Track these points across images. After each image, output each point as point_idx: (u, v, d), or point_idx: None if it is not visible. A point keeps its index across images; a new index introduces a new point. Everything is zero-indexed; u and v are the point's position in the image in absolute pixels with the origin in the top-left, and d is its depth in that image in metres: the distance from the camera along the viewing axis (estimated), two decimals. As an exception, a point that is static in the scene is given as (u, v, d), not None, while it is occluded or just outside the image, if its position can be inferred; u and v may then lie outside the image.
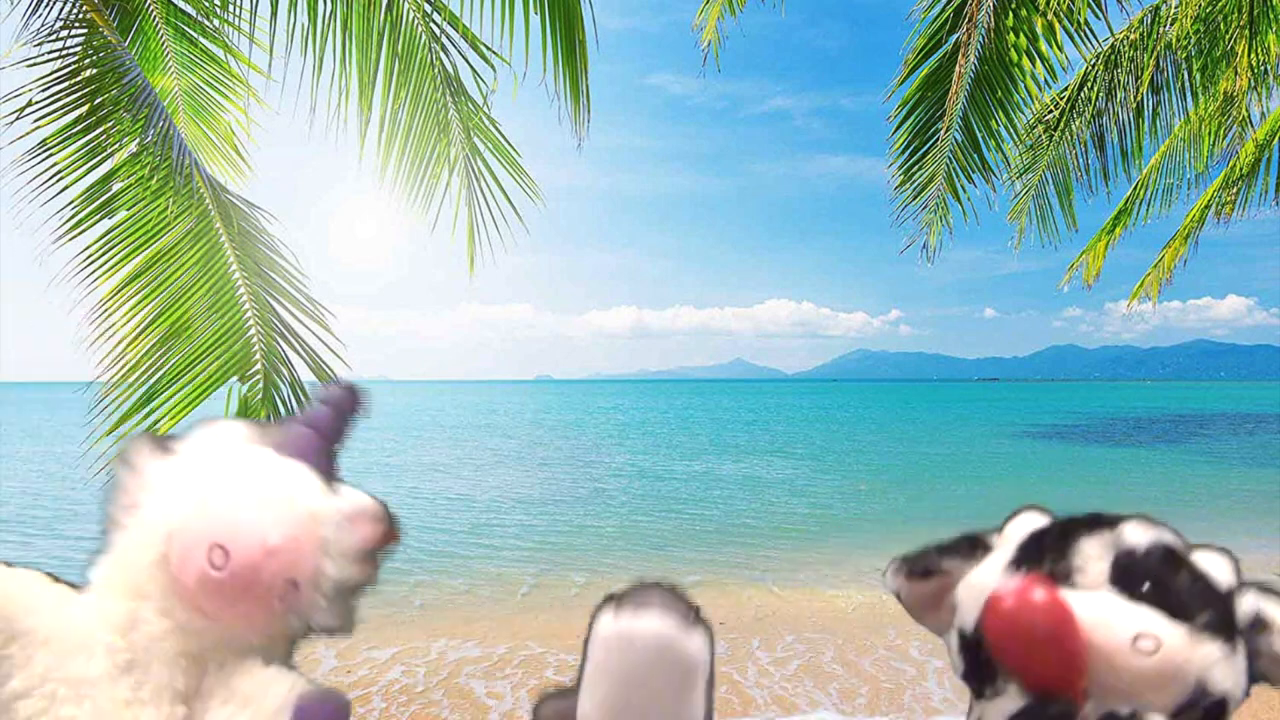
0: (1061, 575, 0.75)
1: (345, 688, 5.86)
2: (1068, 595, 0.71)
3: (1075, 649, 0.67)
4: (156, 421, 2.65)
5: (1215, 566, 0.77)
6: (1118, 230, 7.11)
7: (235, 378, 2.75)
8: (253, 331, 2.80)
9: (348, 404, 0.97)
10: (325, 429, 0.94)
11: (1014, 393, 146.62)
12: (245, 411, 2.76)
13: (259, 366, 2.77)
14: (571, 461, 25.42)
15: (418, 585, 9.33)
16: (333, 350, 2.92)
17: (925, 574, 0.90)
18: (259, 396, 2.75)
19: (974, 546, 0.88)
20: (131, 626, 0.78)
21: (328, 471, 0.91)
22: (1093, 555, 0.75)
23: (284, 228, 3.05)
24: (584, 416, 58.38)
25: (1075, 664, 0.67)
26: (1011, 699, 0.72)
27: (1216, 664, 0.69)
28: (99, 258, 2.81)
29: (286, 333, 2.88)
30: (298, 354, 2.88)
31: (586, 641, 0.81)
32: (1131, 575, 0.72)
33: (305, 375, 2.88)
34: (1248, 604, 0.76)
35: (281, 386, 2.80)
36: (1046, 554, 0.77)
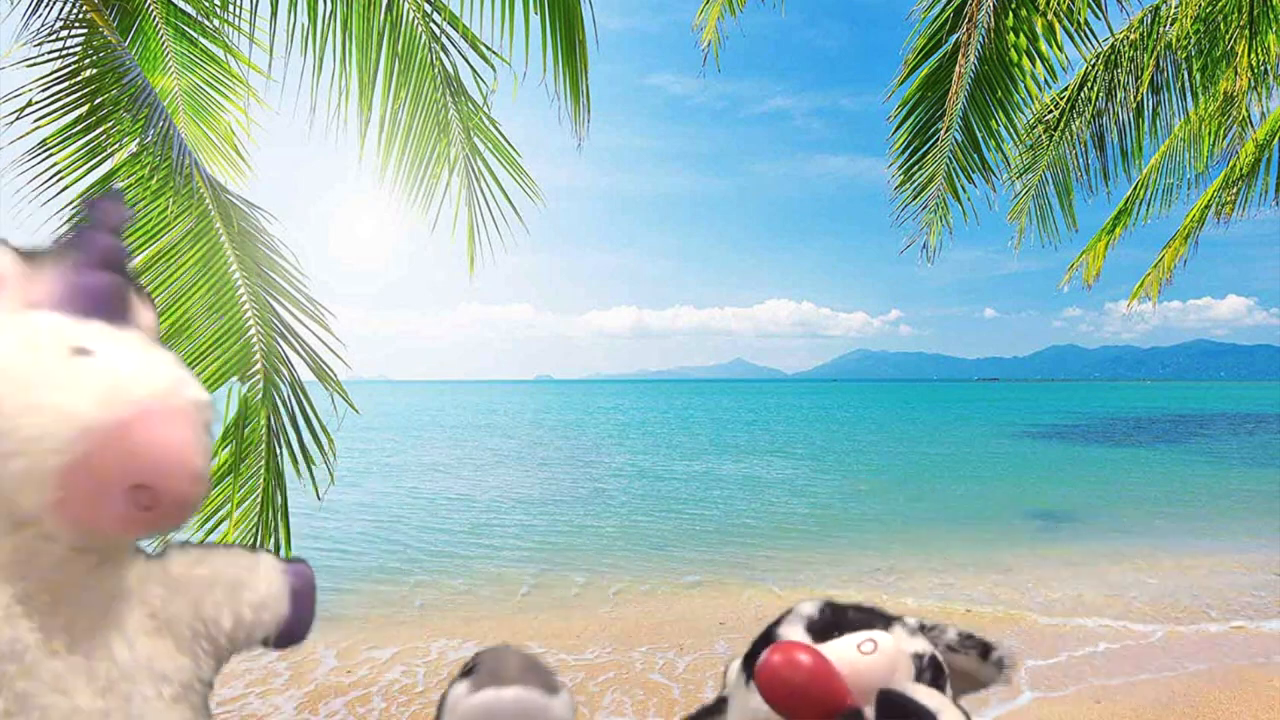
0: None
1: (345, 688, 5.86)
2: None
3: (835, 675, 0.88)
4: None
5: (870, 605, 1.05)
6: (1118, 230, 7.11)
7: (235, 378, 2.75)
8: (253, 331, 2.80)
9: (116, 216, 0.82)
10: (118, 260, 0.80)
11: (1014, 393, 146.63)
12: (245, 412, 2.76)
13: (259, 366, 2.77)
14: (571, 461, 25.42)
15: (418, 585, 9.34)
16: (333, 350, 2.92)
17: None
18: (259, 396, 2.76)
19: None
20: (30, 562, 0.68)
21: (129, 310, 0.80)
22: (790, 634, 0.98)
23: (284, 228, 3.05)
24: (584, 416, 58.38)
25: (841, 686, 0.88)
26: None
27: (909, 638, 0.95)
28: (99, 257, 2.80)
29: (286, 333, 2.87)
30: (298, 354, 2.88)
31: (439, 715, 0.79)
32: (821, 630, 0.97)
33: (305, 375, 2.89)
34: (911, 620, 1.03)
35: (281, 386, 2.80)
36: (762, 649, 0.97)
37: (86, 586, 0.71)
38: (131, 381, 0.69)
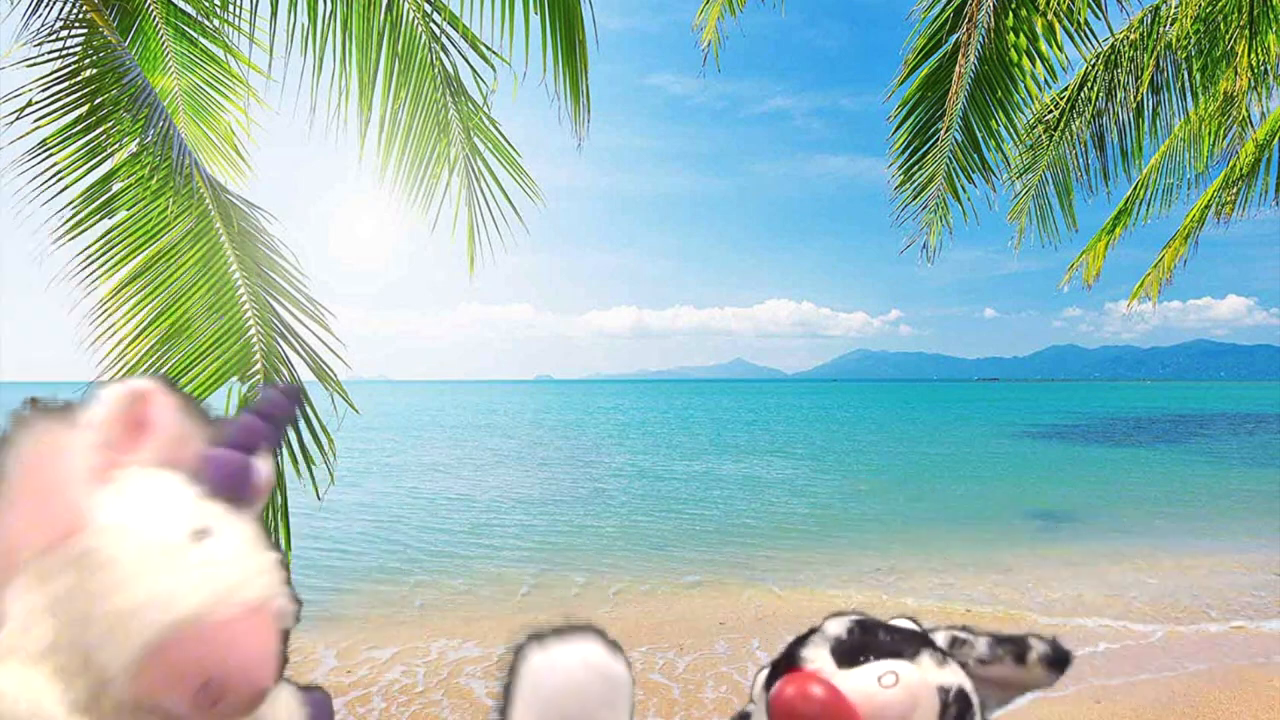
0: None
1: (345, 688, 5.86)
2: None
3: (848, 710, 0.86)
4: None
5: (905, 624, 1.01)
6: (1118, 230, 7.11)
7: (235, 378, 2.75)
8: (253, 331, 2.80)
9: (287, 410, 0.88)
10: (259, 445, 0.84)
11: (1014, 393, 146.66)
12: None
13: (259, 366, 2.77)
14: (571, 461, 25.43)
15: (418, 585, 9.34)
16: (333, 350, 2.92)
17: None
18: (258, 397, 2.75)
19: None
20: (93, 706, 0.70)
21: (252, 496, 0.82)
22: (813, 657, 0.95)
23: (284, 228, 3.04)
24: (584, 416, 58.39)
25: (854, 718, 0.86)
26: None
27: (936, 669, 0.90)
28: (99, 258, 2.81)
29: (286, 333, 2.87)
30: (298, 354, 2.88)
31: (510, 676, 0.86)
32: (846, 653, 0.93)
33: (305, 375, 2.89)
34: (942, 636, 0.98)
35: (281, 386, 2.80)
36: (781, 673, 0.96)
37: None
38: (235, 584, 0.72)
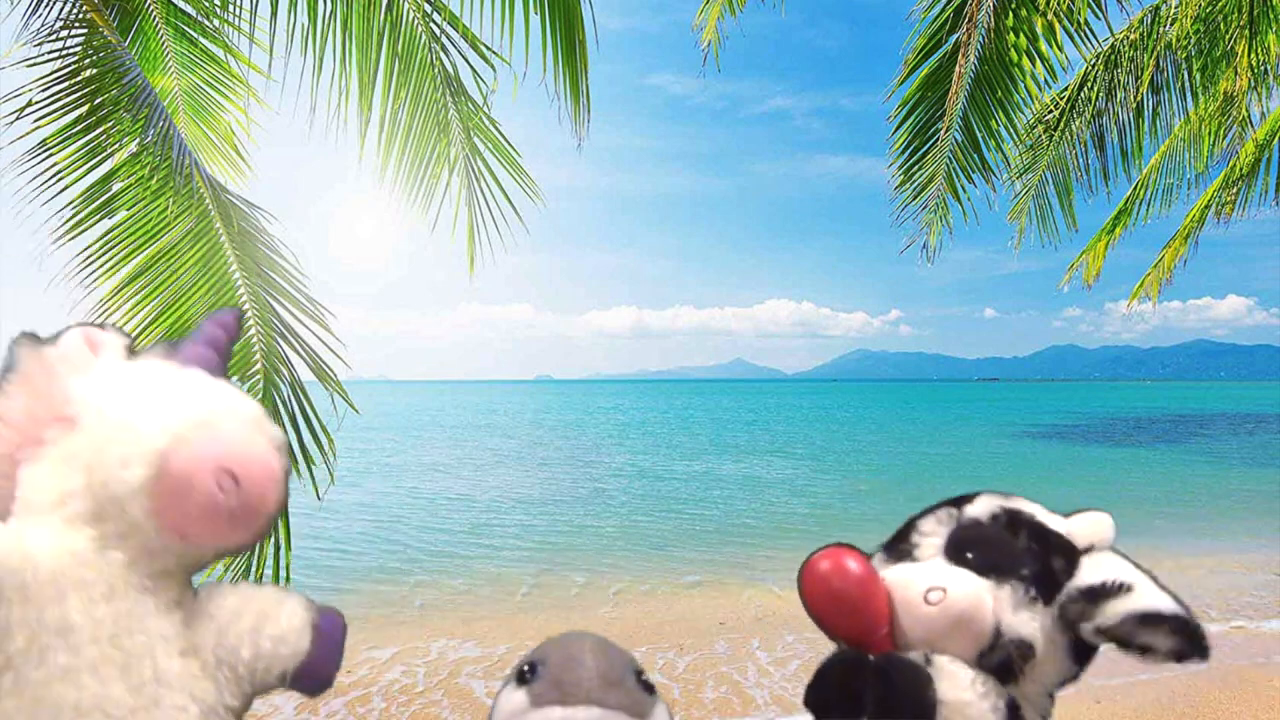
0: (902, 554, 0.87)
1: (345, 688, 5.86)
2: (888, 565, 0.83)
3: (873, 605, 0.78)
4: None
5: (1084, 525, 0.88)
6: (1118, 230, 7.11)
7: (235, 378, 2.75)
8: (253, 331, 2.80)
9: (233, 328, 1.00)
10: (221, 350, 0.95)
11: (1014, 393, 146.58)
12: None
13: (259, 366, 2.77)
14: (571, 461, 25.42)
15: (418, 585, 9.33)
16: (333, 350, 2.92)
17: None
18: (259, 396, 2.75)
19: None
20: (99, 556, 0.74)
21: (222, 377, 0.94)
22: (928, 532, 0.86)
23: (284, 228, 3.05)
24: (584, 416, 58.37)
25: (874, 617, 0.78)
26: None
27: (1013, 611, 0.77)
28: (99, 258, 2.81)
29: (286, 333, 2.87)
30: (298, 354, 2.88)
31: None
32: (958, 544, 0.82)
33: (305, 375, 2.89)
34: (1109, 566, 0.84)
35: (281, 386, 2.80)
36: (894, 539, 0.89)
37: (142, 597, 0.78)
38: (235, 401, 0.83)
